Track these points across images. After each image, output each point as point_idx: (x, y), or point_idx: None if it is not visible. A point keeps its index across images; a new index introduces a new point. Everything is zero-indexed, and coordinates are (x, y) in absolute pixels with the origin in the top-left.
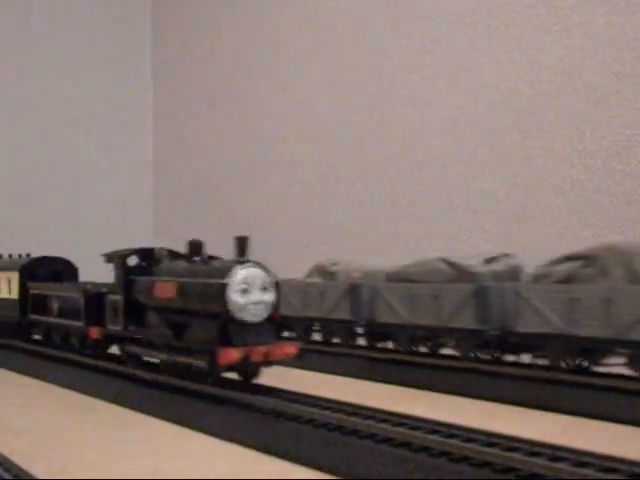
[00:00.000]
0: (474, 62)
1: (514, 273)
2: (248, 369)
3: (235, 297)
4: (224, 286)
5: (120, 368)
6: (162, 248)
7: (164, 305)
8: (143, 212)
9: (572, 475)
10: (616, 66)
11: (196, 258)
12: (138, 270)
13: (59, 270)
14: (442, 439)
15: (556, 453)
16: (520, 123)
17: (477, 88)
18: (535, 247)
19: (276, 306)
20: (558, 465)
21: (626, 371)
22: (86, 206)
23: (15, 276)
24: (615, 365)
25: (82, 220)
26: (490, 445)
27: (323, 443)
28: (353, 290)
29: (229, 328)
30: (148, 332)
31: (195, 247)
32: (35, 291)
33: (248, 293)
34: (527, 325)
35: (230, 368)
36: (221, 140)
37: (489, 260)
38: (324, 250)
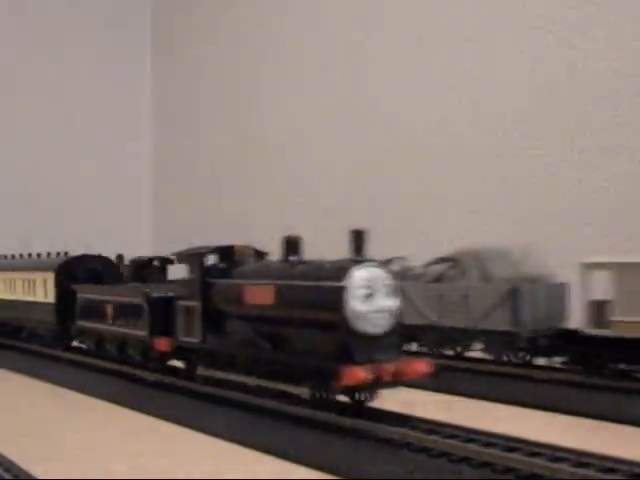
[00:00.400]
0: (474, 62)
1: (406, 273)
2: (371, 391)
3: (355, 303)
4: (341, 290)
5: (120, 368)
6: (245, 246)
7: (257, 313)
8: (143, 212)
9: (572, 475)
10: (616, 66)
11: (293, 258)
12: (217, 272)
13: (100, 270)
14: (442, 439)
15: (556, 453)
16: (520, 123)
17: (477, 88)
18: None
19: (400, 315)
20: (558, 465)
21: (484, 355)
22: (86, 207)
23: (51, 277)
24: (477, 350)
25: (81, 220)
26: (490, 445)
27: (323, 443)
28: None
29: (349, 341)
30: (235, 345)
31: (292, 245)
32: (84, 294)
33: (371, 298)
34: (410, 318)
35: (346, 390)
36: (221, 141)
37: (385, 262)
38: (324, 250)
